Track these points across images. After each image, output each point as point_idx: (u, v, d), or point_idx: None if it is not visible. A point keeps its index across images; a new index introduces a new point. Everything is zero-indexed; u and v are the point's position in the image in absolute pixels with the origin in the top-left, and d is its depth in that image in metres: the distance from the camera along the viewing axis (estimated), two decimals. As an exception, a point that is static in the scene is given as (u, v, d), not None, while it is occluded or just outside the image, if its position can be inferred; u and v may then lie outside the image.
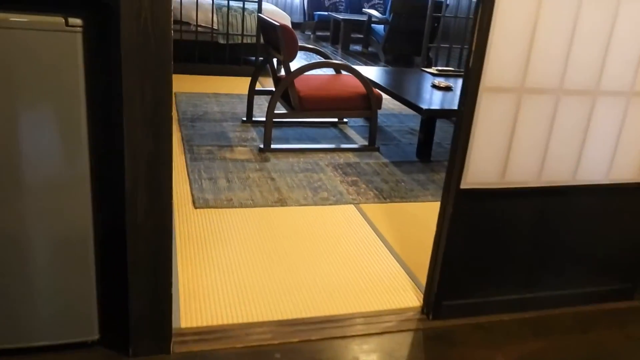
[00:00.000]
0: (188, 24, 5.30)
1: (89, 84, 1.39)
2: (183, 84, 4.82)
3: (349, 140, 3.70)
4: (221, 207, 2.55)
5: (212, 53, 5.35)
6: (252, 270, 2.06)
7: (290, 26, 5.82)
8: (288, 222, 2.47)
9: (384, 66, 6.86)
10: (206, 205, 2.55)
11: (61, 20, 1.32)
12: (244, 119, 3.87)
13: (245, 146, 3.38)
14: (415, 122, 4.29)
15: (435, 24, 6.57)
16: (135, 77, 1.33)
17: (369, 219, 2.58)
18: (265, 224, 2.43)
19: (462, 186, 1.70)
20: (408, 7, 6.88)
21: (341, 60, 6.92)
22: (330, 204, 2.70)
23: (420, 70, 4.41)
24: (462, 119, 1.62)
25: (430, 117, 3.34)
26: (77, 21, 1.33)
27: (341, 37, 7.94)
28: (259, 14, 3.57)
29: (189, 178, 2.82)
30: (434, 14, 5.92)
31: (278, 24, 3.09)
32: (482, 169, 1.70)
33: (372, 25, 7.55)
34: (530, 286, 1.96)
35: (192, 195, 2.62)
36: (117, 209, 1.51)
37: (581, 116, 1.73)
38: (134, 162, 1.43)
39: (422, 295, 1.99)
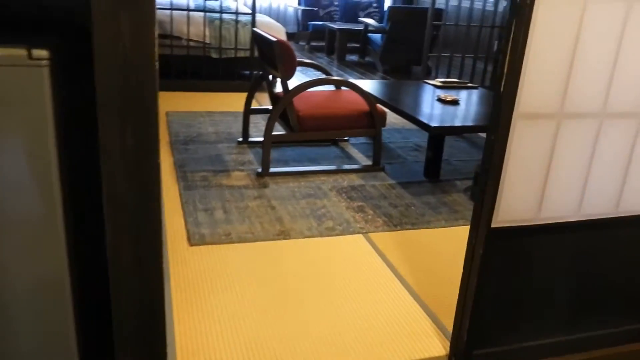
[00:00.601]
0: (179, 38, 5.09)
1: (60, 121, 1.19)
2: (175, 102, 4.61)
3: (351, 160, 3.49)
4: (219, 243, 2.33)
5: (205, 68, 5.15)
6: (256, 319, 1.84)
7: (286, 37, 5.63)
8: (292, 258, 2.25)
9: (383, 77, 6.67)
10: (202, 241, 2.33)
11: (23, 52, 1.11)
12: (240, 139, 3.66)
13: (242, 170, 3.17)
14: (420, 137, 4.08)
15: (435, 33, 6.39)
16: (113, 122, 1.12)
17: (379, 250, 2.37)
18: (268, 261, 2.21)
19: (494, 225, 1.49)
20: (406, 15, 6.71)
21: (337, 72, 6.73)
22: (337, 234, 2.48)
23: (422, 83, 4.21)
24: (492, 149, 1.41)
25: (438, 135, 3.14)
26: (43, 53, 1.12)
27: (337, 47, 7.75)
28: (254, 29, 3.36)
29: (183, 210, 2.60)
30: (434, 22, 5.73)
31: (275, 39, 2.89)
32: (516, 204, 1.49)
33: (369, 34, 7.36)
34: (571, 328, 1.75)
35: (187, 231, 2.40)
36: (99, 248, 1.30)
37: (626, 141, 1.53)
38: (116, 216, 1.21)
39: (447, 342, 1.77)
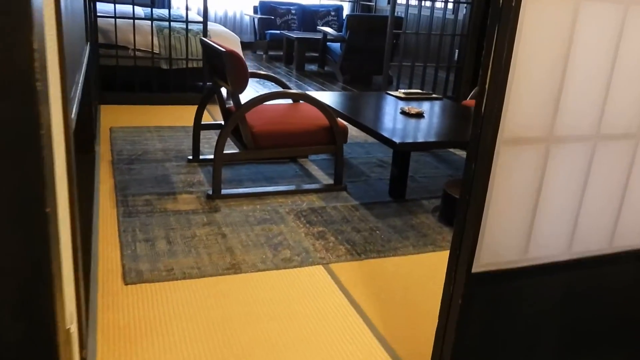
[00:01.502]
0: (125, 48, 4.76)
1: None
2: (120, 116, 4.27)
3: (311, 178, 3.24)
4: (159, 281, 2.04)
5: (154, 80, 4.83)
6: (198, 378, 1.56)
7: (240, 47, 5.36)
8: (243, 296, 1.98)
9: (343, 87, 6.47)
10: (140, 279, 2.03)
11: None
12: (190, 157, 3.37)
13: (191, 193, 2.88)
14: (383, 152, 3.87)
15: (395, 41, 6.23)
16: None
17: (341, 284, 2.12)
18: (215, 301, 1.94)
19: (475, 269, 1.26)
20: (365, 23, 6.53)
21: (297, 83, 6.49)
22: (295, 266, 2.22)
23: (384, 94, 4.01)
24: (472, 182, 1.19)
25: (404, 151, 2.93)
26: None
27: (295, 56, 7.51)
28: (202, 38, 3.09)
29: (120, 241, 2.30)
30: (394, 31, 5.56)
31: (224, 49, 2.62)
32: (500, 245, 1.26)
33: (328, 43, 7.16)
34: (557, 379, 1.54)
35: (123, 267, 2.11)
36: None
37: (621, 166, 1.33)
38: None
39: (420, 399, 1.54)
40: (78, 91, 1.93)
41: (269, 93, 2.79)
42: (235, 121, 2.76)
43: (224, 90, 3.16)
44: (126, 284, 2.00)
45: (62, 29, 1.24)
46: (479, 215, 1.20)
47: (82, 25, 2.71)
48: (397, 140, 2.72)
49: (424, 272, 2.26)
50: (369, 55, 6.69)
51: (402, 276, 2.22)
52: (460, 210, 1.23)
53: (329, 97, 3.66)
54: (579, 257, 1.36)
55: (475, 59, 5.78)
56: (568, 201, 1.29)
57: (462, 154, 3.96)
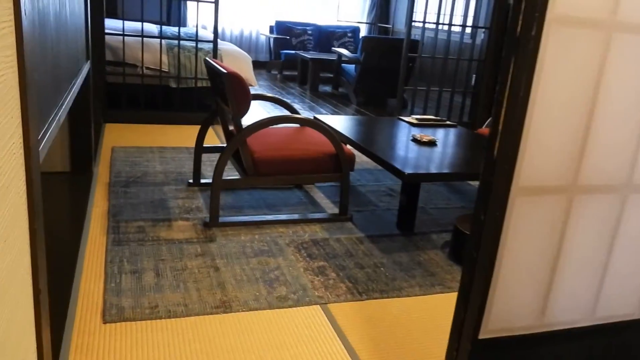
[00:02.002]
0: (134, 66, 4.68)
1: None
2: (123, 135, 4.17)
3: (316, 206, 3.09)
4: (141, 319, 1.88)
5: (161, 98, 4.73)
6: None
7: (252, 67, 5.26)
8: (230, 340, 1.82)
9: (357, 109, 6.33)
10: (120, 317, 1.88)
11: None
12: (191, 181, 3.23)
13: (187, 219, 2.74)
14: (393, 180, 3.71)
15: (411, 64, 6.11)
16: None
17: (339, 328, 1.95)
18: (200, 345, 1.78)
19: (483, 335, 1.09)
20: (380, 45, 6.41)
21: (310, 104, 6.37)
22: (290, 306, 2.06)
23: (396, 120, 3.86)
24: (482, 235, 1.02)
25: (413, 182, 2.76)
26: None
27: (310, 77, 7.42)
28: (205, 58, 2.97)
29: (105, 273, 2.16)
30: (410, 54, 5.43)
31: (225, 71, 2.50)
32: (512, 308, 1.09)
33: (343, 65, 7.05)
34: None
35: (104, 302, 1.96)
36: None
37: (655, 221, 1.15)
38: None
39: None
40: (61, 112, 1.81)
41: (272, 117, 2.66)
42: (236, 145, 2.63)
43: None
44: (105, 322, 1.85)
45: (24, 51, 1.11)
46: (488, 274, 1.04)
47: (79, 42, 2.61)
48: (406, 170, 2.56)
49: (429, 317, 2.07)
50: (383, 78, 6.56)
51: (405, 321, 2.04)
52: (467, 268, 1.06)
53: (337, 122, 3.52)
54: (604, 322, 1.18)
55: (493, 84, 5.62)
56: (593, 259, 1.12)
57: (476, 184, 3.78)
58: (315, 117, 3.68)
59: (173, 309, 1.96)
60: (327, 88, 7.74)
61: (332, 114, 5.98)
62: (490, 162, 0.99)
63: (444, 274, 2.42)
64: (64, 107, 1.90)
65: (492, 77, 5.57)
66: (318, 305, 2.08)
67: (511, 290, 1.09)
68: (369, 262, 2.46)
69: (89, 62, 3.08)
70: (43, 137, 1.43)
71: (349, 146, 3.04)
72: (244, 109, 2.57)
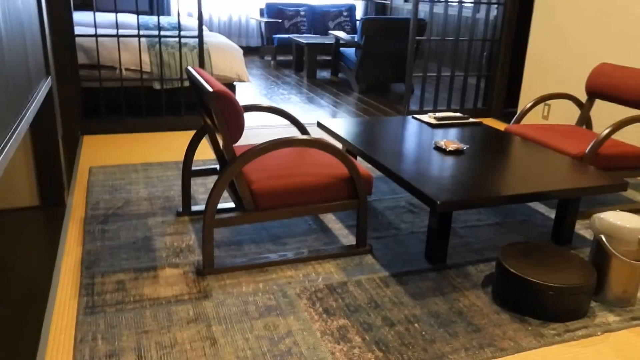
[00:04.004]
0: (112, 68, 4.18)
1: None
2: (103, 150, 3.69)
3: (327, 234, 2.63)
4: None
5: (145, 102, 4.24)
6: None
7: (243, 61, 4.75)
8: None
9: (359, 97, 5.83)
10: None
11: None
12: (180, 210, 2.77)
13: (176, 266, 2.29)
14: (411, 189, 3.25)
15: (416, 46, 5.61)
16: None
17: None
18: None
19: None
20: (382, 27, 5.89)
21: (307, 94, 5.87)
22: (309, 395, 1.62)
23: (411, 119, 3.38)
24: None
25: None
26: None
27: (306, 63, 6.89)
28: (187, 68, 2.48)
29: (73, 358, 1.71)
30: (417, 37, 4.92)
31: (211, 89, 2.02)
32: None
33: (341, 49, 6.53)
34: None
35: (69, 412, 1.52)
36: None
37: None
38: None
39: None
40: (13, 139, 1.35)
41: (271, 142, 2.18)
42: (229, 177, 2.16)
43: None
44: None
45: None
46: None
47: (31, 58, 2.12)
48: (439, 199, 2.10)
49: (486, 400, 1.64)
50: (386, 62, 6.06)
51: (457, 408, 1.61)
52: None
53: (344, 128, 3.05)
54: None
55: (510, 66, 5.12)
56: None
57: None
58: (318, 122, 3.20)
59: (160, 414, 1.52)
60: (326, 74, 7.22)
61: (332, 104, 5.49)
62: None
63: (492, 327, 1.98)
64: (17, 133, 1.44)
65: (509, 58, 5.06)
66: (344, 391, 1.65)
67: None
68: (400, 316, 2.02)
69: (49, 78, 2.59)
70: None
71: (364, 165, 2.58)
72: (237, 135, 2.10)
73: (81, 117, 3.98)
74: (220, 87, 2.05)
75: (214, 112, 2.03)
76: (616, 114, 3.92)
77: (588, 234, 2.79)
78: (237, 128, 2.07)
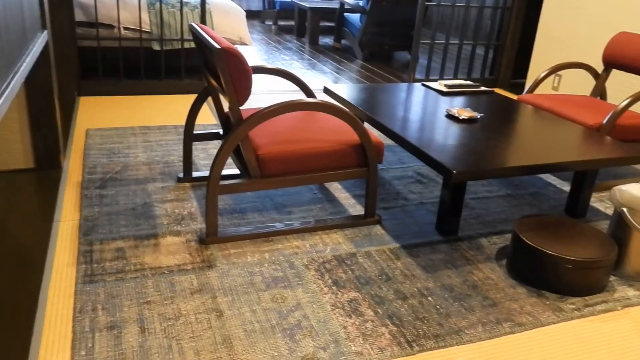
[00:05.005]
0: (110, 26, 4.02)
1: None
2: (100, 112, 3.56)
3: (334, 204, 2.54)
4: (121, 411, 1.37)
5: (144, 64, 4.09)
6: None
7: (246, 24, 4.58)
8: None
9: (362, 65, 5.68)
10: (91, 411, 1.36)
11: None
12: (181, 175, 2.67)
13: (178, 234, 2.19)
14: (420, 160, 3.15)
15: (424, 12, 5.43)
16: None
17: (390, 405, 1.45)
18: None
19: None
20: (388, -8, 5.70)
21: (310, 60, 5.71)
22: (320, 371, 1.55)
23: (421, 86, 3.26)
24: None
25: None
26: None
27: (308, 28, 6.71)
28: (191, 24, 2.34)
29: (73, 331, 1.63)
30: (426, 2, 4.75)
31: (218, 46, 1.89)
32: None
33: (345, 14, 6.34)
34: None
35: (68, 385, 1.44)
36: None
37: None
38: None
39: None
40: (7, 94, 1.24)
41: (279, 105, 2.06)
42: (235, 141, 2.05)
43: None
44: (70, 420, 1.34)
45: None
46: None
47: (24, 9, 1.97)
48: (455, 168, 2.00)
49: (504, 378, 1.57)
50: (392, 30, 5.89)
51: (474, 386, 1.54)
52: None
53: (351, 93, 2.93)
54: None
55: (521, 35, 4.97)
56: None
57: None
58: (325, 88, 3.08)
59: (164, 389, 1.45)
60: (328, 40, 7.04)
61: (335, 71, 5.34)
62: None
63: (509, 301, 1.90)
64: (6, 94, 1.33)
65: (520, 27, 4.91)
66: (357, 367, 1.57)
67: None
68: (412, 289, 1.94)
69: (45, 32, 2.45)
70: None
71: (374, 132, 2.47)
72: (244, 96, 1.98)
73: (78, 78, 3.83)
74: (228, 44, 1.92)
75: (220, 71, 1.91)
76: (632, 85, 3.80)
77: (602, 207, 2.70)
78: (244, 88, 1.95)
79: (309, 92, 2.71)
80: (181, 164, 2.84)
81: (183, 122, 3.46)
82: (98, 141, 3.06)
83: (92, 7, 3.94)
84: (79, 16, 3.90)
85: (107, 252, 2.02)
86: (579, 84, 4.24)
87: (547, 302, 1.91)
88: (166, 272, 1.93)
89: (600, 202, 2.76)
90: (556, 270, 1.93)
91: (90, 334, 1.61)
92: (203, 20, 3.97)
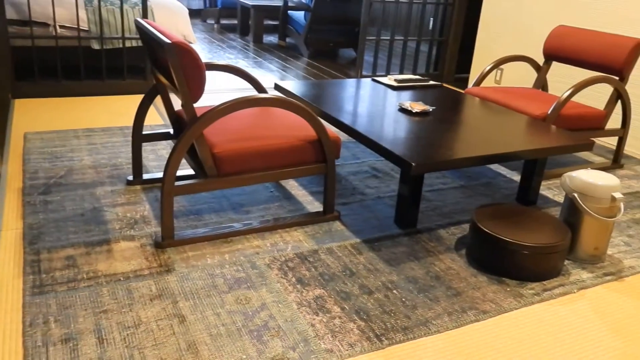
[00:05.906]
0: (45, 24, 3.82)
1: None
2: (39, 115, 3.38)
3: (291, 202, 2.50)
4: None
5: (83, 64, 3.91)
6: None
7: (189, 22, 4.46)
8: None
9: (308, 62, 5.66)
10: None
11: None
12: (130, 178, 2.56)
13: (132, 238, 2.10)
14: (375, 155, 3.16)
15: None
16: None
17: (365, 401, 1.43)
18: None
19: None
20: (332, -11, 5.71)
21: (255, 59, 5.65)
22: (291, 371, 1.51)
23: (371, 82, 3.26)
24: None
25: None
26: None
27: (252, 27, 6.63)
28: (137, 19, 2.25)
29: (23, 347, 1.52)
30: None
31: (168, 40, 1.81)
32: None
33: (289, 12, 6.30)
34: None
35: (23, 405, 1.34)
36: None
37: None
38: None
39: None
40: None
41: (236, 100, 2.01)
42: (190, 140, 1.98)
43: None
44: None
45: None
46: None
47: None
48: (413, 161, 2.00)
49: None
50: (336, 27, 5.90)
51: (445, 376, 1.54)
52: None
53: (303, 89, 2.90)
54: None
55: (464, 31, 5.08)
56: None
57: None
58: (276, 84, 3.04)
59: (129, 401, 1.37)
60: (273, 38, 6.98)
61: (281, 69, 5.30)
62: None
63: (472, 290, 1.93)
64: None
65: (462, 23, 5.02)
66: (328, 364, 1.54)
67: None
68: (376, 283, 1.93)
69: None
70: None
71: (331, 127, 2.45)
72: (198, 93, 1.92)
73: (12, 79, 3.62)
74: (179, 39, 1.85)
75: (172, 68, 1.84)
76: (570, 76, 3.95)
77: (551, 194, 2.79)
78: (198, 84, 1.88)
79: (260, 89, 2.66)
80: (130, 166, 2.73)
81: (128, 123, 3.33)
82: (38, 145, 2.90)
83: (24, 4, 3.73)
84: (10, 13, 3.69)
85: (57, 260, 1.91)
86: (520, 76, 4.37)
87: (508, 289, 1.95)
88: (122, 278, 1.84)
89: (549, 190, 2.85)
90: (515, 257, 1.97)
91: (44, 348, 1.51)
92: (144, 18, 3.84)
